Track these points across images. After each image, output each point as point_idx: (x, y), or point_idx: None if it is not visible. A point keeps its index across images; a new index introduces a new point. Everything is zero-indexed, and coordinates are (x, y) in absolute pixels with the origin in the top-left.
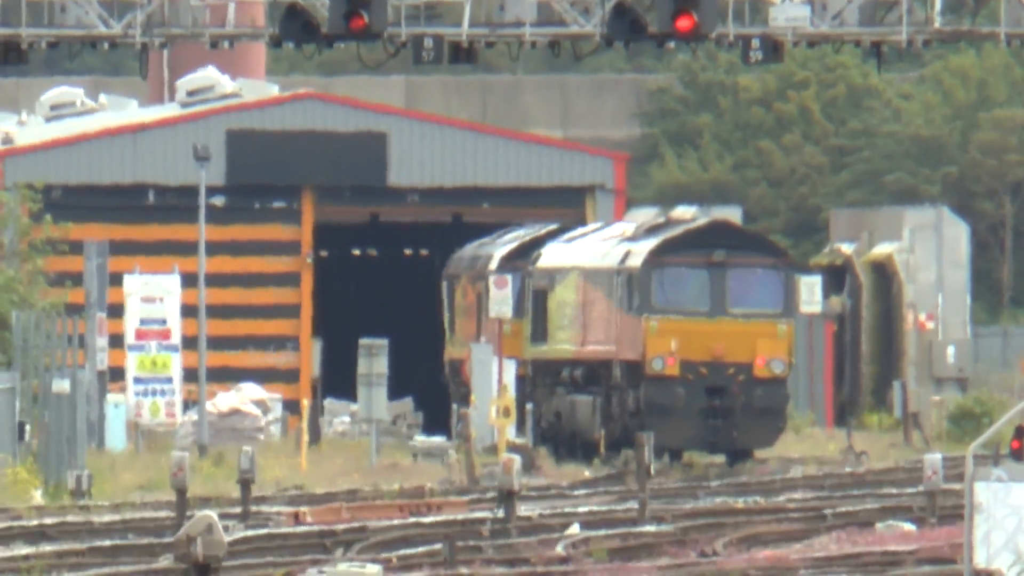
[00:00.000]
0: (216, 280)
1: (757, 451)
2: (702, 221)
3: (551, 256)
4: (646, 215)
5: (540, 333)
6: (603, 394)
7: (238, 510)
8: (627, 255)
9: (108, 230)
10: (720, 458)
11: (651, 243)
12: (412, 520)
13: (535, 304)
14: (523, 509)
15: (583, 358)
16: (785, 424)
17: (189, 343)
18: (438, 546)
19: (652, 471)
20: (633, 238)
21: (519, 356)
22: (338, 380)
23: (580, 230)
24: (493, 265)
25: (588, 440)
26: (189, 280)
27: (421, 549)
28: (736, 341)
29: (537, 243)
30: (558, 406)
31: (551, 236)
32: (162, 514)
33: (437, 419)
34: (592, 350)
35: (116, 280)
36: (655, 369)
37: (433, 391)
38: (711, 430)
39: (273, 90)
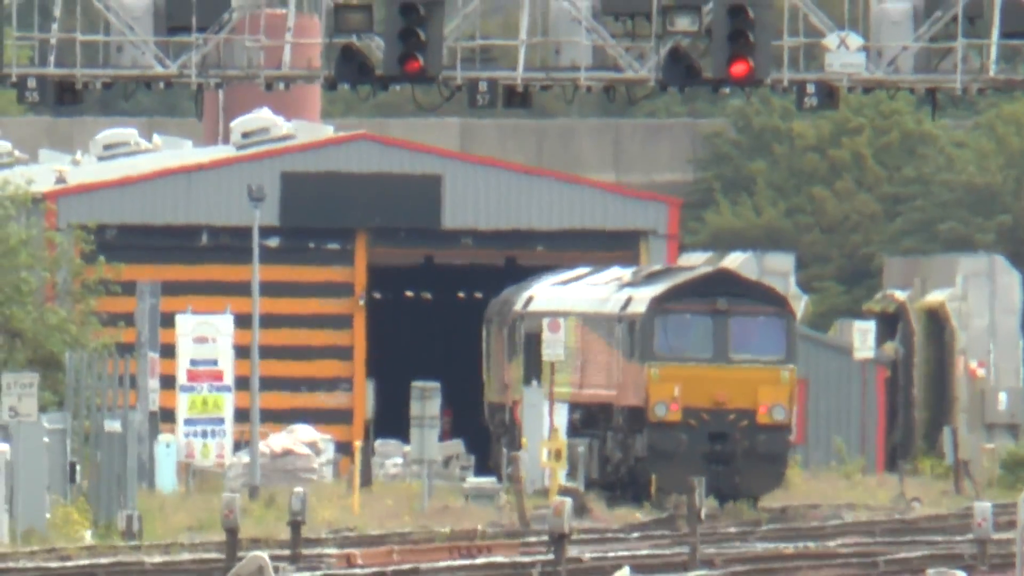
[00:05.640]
0: (269, 321)
1: (761, 496)
2: (705, 269)
3: (544, 299)
4: (699, 260)
5: (532, 376)
6: (600, 437)
7: (289, 552)
8: (629, 301)
9: (161, 271)
10: (769, 503)
11: (654, 290)
12: (463, 562)
13: (527, 347)
14: (574, 552)
15: (579, 402)
16: (786, 470)
17: (241, 384)
18: None
19: (703, 515)
20: (633, 284)
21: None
22: (390, 422)
23: (570, 273)
24: (511, 309)
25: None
26: (241, 321)
27: None
28: (738, 388)
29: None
30: None
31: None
32: (212, 555)
33: (488, 461)
34: (590, 394)
35: (168, 321)
36: (658, 415)
37: (484, 433)
38: (713, 476)
39: (328, 131)
